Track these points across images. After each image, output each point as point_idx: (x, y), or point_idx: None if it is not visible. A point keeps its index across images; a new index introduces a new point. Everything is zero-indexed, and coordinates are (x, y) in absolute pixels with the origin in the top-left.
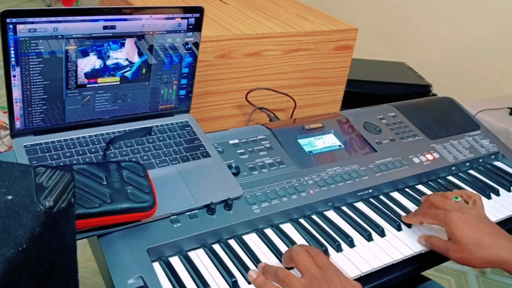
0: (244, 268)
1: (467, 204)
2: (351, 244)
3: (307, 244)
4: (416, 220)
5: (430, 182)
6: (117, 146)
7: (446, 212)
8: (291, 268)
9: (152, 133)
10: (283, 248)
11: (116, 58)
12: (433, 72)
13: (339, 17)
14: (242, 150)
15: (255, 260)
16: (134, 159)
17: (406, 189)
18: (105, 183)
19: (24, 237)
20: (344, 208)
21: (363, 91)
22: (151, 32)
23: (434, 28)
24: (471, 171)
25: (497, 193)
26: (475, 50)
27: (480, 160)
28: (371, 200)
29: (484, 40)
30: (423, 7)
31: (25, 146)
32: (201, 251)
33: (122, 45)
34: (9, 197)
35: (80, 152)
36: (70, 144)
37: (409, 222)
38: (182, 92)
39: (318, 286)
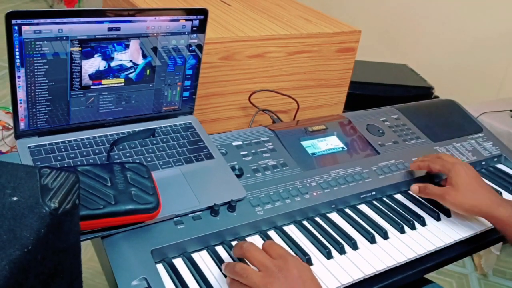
0: None
1: None
2: (354, 246)
3: (311, 245)
4: (424, 165)
5: None
6: (121, 147)
7: (454, 163)
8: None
9: (156, 135)
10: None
11: (121, 60)
12: (435, 74)
13: (340, 19)
14: (245, 152)
15: None
16: (138, 161)
17: (409, 192)
18: (109, 184)
19: (30, 238)
20: (347, 210)
21: (365, 93)
22: (155, 34)
23: (436, 30)
24: None
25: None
26: (477, 52)
27: (483, 163)
28: (374, 202)
29: (486, 42)
30: (425, 9)
31: (29, 147)
32: (204, 253)
33: (127, 46)
34: (15, 198)
35: (84, 153)
36: (74, 145)
37: (416, 169)
38: (186, 94)
39: (276, 278)
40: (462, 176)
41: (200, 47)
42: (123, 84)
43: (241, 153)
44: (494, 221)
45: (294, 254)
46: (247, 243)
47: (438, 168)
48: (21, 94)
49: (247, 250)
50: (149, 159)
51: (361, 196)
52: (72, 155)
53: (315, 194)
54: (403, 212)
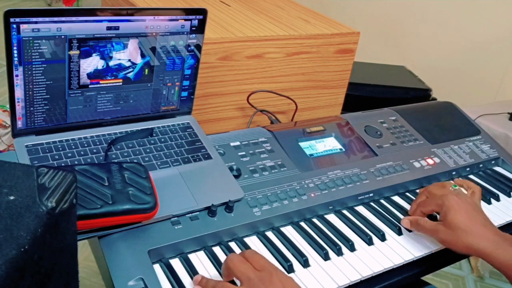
0: None
1: (465, 193)
2: (351, 248)
3: (309, 246)
4: (416, 212)
5: None
6: (118, 147)
7: (443, 196)
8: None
9: (154, 134)
10: (284, 250)
11: (119, 59)
12: (433, 76)
13: (339, 21)
14: (243, 153)
15: None
16: (135, 160)
17: (407, 193)
18: (106, 184)
19: (26, 238)
20: (345, 211)
21: (363, 94)
22: (154, 33)
23: (435, 33)
24: (471, 176)
25: (497, 199)
26: (475, 55)
27: (480, 165)
28: (372, 204)
29: (484, 45)
30: (423, 12)
31: (26, 146)
32: (201, 253)
33: (125, 46)
34: (12, 198)
35: (82, 152)
36: (72, 144)
37: (409, 219)
38: (184, 94)
39: None
40: (453, 210)
41: (198, 47)
42: (121, 83)
43: (239, 153)
44: (493, 263)
45: (276, 265)
46: (232, 254)
47: (431, 209)
48: (18, 93)
49: (230, 260)
50: (146, 159)
51: (359, 198)
52: (69, 154)
53: (312, 195)
54: (400, 214)
